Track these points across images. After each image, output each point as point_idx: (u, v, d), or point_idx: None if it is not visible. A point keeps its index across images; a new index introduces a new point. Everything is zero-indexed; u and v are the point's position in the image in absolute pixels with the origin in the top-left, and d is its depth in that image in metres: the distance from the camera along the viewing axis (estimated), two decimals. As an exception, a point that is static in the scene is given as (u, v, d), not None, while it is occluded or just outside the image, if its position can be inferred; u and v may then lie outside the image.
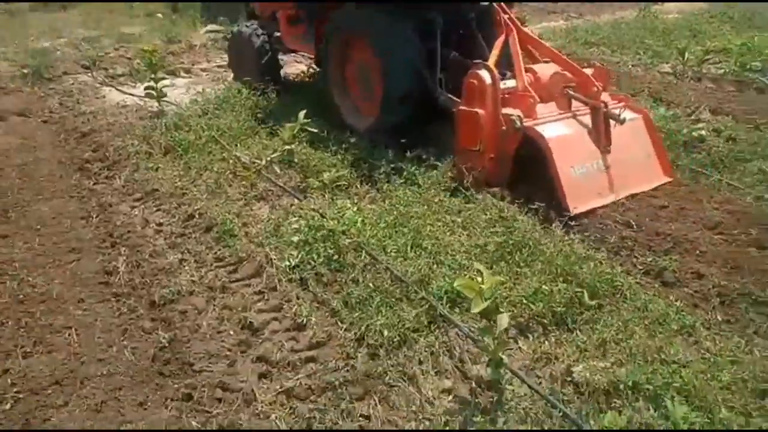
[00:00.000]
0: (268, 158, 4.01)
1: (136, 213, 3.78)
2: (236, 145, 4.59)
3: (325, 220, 3.18)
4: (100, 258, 3.25)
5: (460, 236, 3.14)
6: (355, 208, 3.35)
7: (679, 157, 4.05)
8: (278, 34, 5.62)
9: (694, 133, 4.18)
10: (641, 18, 8.93)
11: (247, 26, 5.88)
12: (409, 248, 3.01)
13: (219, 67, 7.43)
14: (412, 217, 3.27)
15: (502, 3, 4.17)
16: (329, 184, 3.64)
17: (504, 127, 3.44)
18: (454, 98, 3.82)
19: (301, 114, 3.91)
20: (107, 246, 3.39)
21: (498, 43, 3.95)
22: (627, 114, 3.55)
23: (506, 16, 4.08)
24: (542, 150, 3.34)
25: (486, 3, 4.20)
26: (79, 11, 11.48)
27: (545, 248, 2.87)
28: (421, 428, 2.11)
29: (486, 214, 3.33)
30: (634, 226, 3.14)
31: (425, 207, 3.44)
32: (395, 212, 3.33)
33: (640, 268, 2.88)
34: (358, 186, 3.83)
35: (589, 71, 3.80)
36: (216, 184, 4.01)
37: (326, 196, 3.64)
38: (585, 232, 3.16)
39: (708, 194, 3.51)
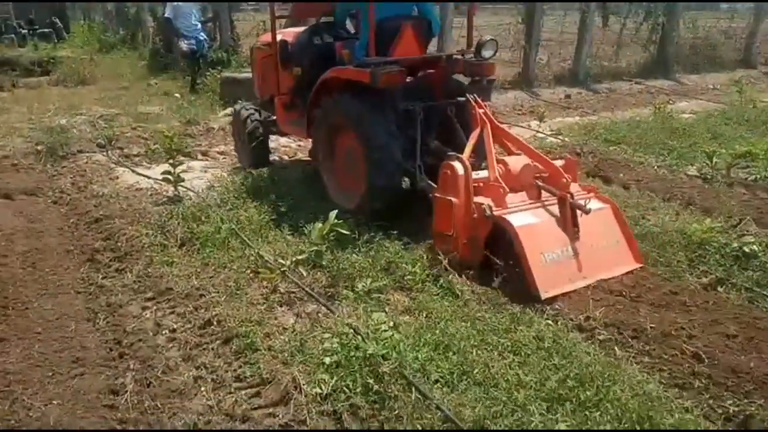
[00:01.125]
0: (294, 258, 3.73)
1: (148, 316, 3.47)
2: (258, 241, 4.34)
3: (360, 339, 2.86)
4: (106, 373, 2.90)
5: (511, 364, 2.81)
6: (391, 323, 3.04)
7: (732, 274, 3.79)
8: (274, 117, 5.85)
9: (745, 248, 3.94)
10: (657, 117, 8.94)
11: (246, 108, 6.06)
12: (456, 377, 2.68)
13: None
14: (455, 337, 2.97)
15: (477, 98, 4.45)
16: (363, 294, 3.35)
17: (476, 215, 3.68)
18: (433, 184, 4.07)
19: (332, 214, 3.68)
20: (114, 357, 3.04)
21: (473, 136, 4.22)
22: (593, 204, 3.83)
23: (481, 111, 4.36)
24: (511, 237, 3.51)
25: (462, 99, 4.51)
26: (98, 87, 11.61)
27: (614, 387, 2.54)
28: None
29: (532, 332, 3.04)
30: (705, 360, 2.83)
31: (468, 324, 3.14)
32: (437, 330, 3.02)
33: (720, 412, 2.54)
34: (392, 293, 3.54)
35: (559, 163, 4.09)
36: (236, 284, 3.72)
37: (359, 306, 3.33)
38: (650, 360, 2.85)
39: (778, 321, 3.21)
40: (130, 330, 3.27)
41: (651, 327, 3.11)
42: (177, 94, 10.54)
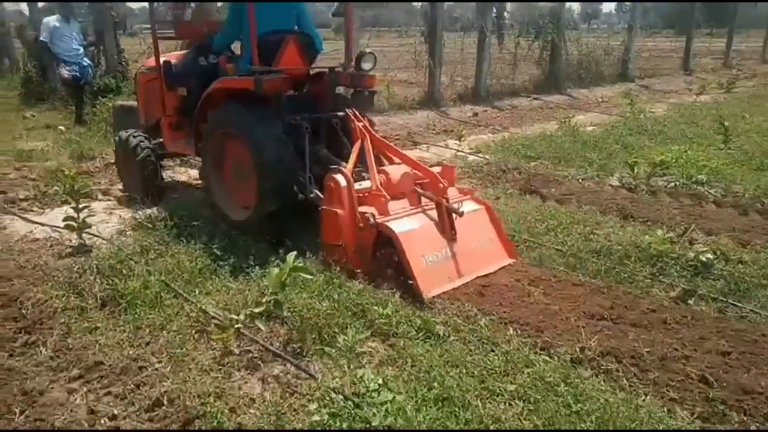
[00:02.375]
0: (247, 311, 3.24)
1: (78, 401, 2.82)
2: (196, 292, 3.78)
3: (352, 405, 2.47)
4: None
5: (523, 413, 2.55)
6: (379, 380, 2.68)
7: (696, 285, 3.81)
8: (160, 139, 5.82)
9: (701, 257, 4.00)
10: (564, 130, 9.28)
11: (133, 136, 5.86)
12: (471, 440, 2.37)
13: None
14: (454, 388, 2.66)
15: (355, 112, 4.66)
16: (346, 351, 2.94)
17: (361, 224, 3.85)
18: (321, 195, 4.16)
19: (290, 257, 3.24)
20: (45, 464, 2.42)
21: (354, 149, 4.40)
22: (469, 206, 4.21)
23: (360, 124, 4.55)
24: (394, 242, 3.69)
25: (342, 114, 4.72)
26: (-37, 123, 10.18)
27: (642, 427, 2.35)
28: None
29: (533, 373, 2.80)
30: (714, 383, 2.73)
31: (462, 371, 2.84)
32: (434, 384, 2.69)
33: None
34: (366, 342, 3.16)
35: (437, 170, 4.40)
36: (180, 349, 3.17)
37: (335, 363, 2.93)
38: (659, 389, 2.72)
39: (758, 332, 3.22)
40: (60, 424, 2.63)
41: (646, 352, 3.00)
42: (62, 127, 9.46)
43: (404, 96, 11.54)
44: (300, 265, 3.17)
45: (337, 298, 3.46)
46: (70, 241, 4.89)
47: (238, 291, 3.78)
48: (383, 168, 4.29)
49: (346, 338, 2.97)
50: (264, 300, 3.21)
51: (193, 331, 3.36)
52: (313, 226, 4.22)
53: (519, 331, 3.26)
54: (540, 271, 4.06)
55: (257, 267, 4.04)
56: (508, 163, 7.22)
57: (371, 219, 3.80)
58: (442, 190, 4.14)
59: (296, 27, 5.11)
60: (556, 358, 2.99)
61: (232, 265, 4.16)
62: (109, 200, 6.24)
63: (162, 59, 5.51)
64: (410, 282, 3.61)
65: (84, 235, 4.81)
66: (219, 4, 10.57)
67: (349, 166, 4.18)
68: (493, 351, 3.06)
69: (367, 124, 4.61)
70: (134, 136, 5.85)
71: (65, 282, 3.96)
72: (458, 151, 8.23)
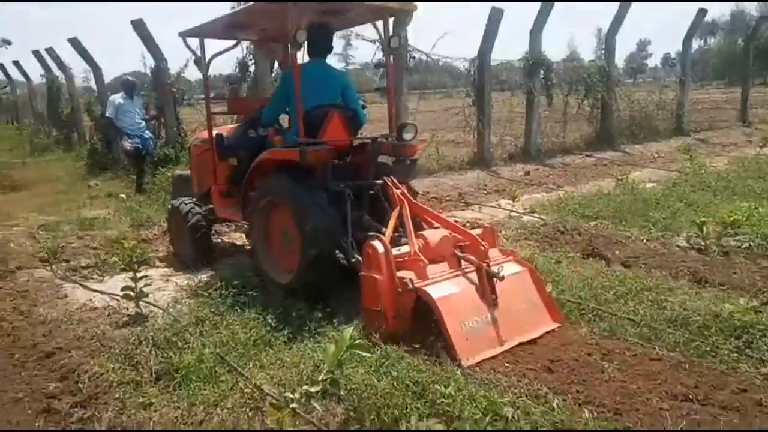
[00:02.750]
0: (303, 390, 3.11)
1: (130, 485, 2.73)
2: (250, 366, 3.69)
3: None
4: None
5: None
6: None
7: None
8: (211, 206, 6.12)
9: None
10: (622, 188, 8.98)
11: (185, 203, 6.18)
12: None
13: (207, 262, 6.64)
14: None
15: (393, 180, 4.76)
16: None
17: (399, 289, 3.82)
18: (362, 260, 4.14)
19: (347, 332, 3.12)
20: None
21: (393, 215, 4.49)
22: (511, 268, 4.15)
23: (398, 191, 4.64)
24: (432, 308, 3.65)
25: (380, 182, 4.83)
26: (32, 193, 10.76)
27: None
28: None
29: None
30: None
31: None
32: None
33: None
34: (430, 424, 2.96)
35: (477, 232, 4.40)
36: (234, 427, 3.05)
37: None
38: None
39: None
40: None
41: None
42: (123, 195, 9.86)
43: (453, 157, 11.54)
44: (357, 341, 3.03)
45: (396, 375, 3.28)
46: (128, 309, 4.94)
47: (292, 364, 3.65)
48: (421, 233, 4.30)
49: (410, 424, 2.77)
50: (320, 378, 3.06)
51: (248, 409, 3.24)
52: (356, 290, 4.19)
53: (595, 414, 2.99)
54: (612, 343, 3.78)
55: (311, 339, 3.94)
56: (566, 223, 6.97)
57: (410, 284, 3.78)
58: (482, 253, 4.14)
59: (341, 101, 5.33)
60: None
61: (286, 336, 4.06)
62: (166, 267, 6.32)
63: (215, 132, 5.89)
64: (448, 347, 3.55)
65: (141, 303, 4.85)
66: (272, 77, 11.02)
67: (387, 232, 4.26)
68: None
69: (406, 191, 4.70)
70: (186, 203, 6.17)
71: (122, 354, 3.96)
72: (512, 211, 8.05)
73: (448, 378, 3.25)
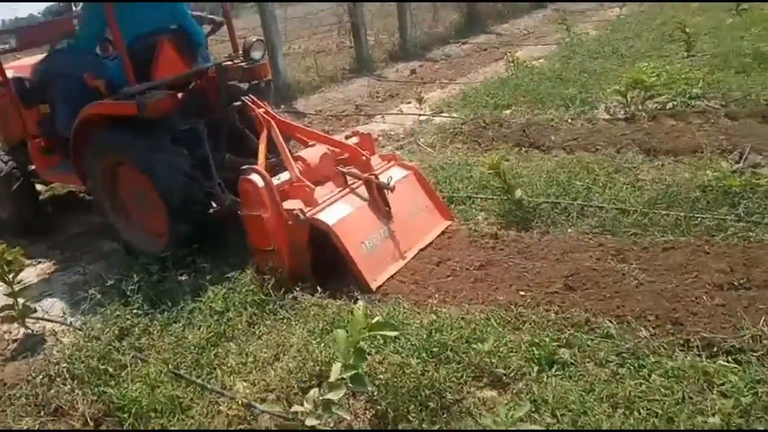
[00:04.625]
0: (315, 398, 2.36)
1: None
2: (218, 374, 2.86)
3: None
4: None
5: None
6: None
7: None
8: (32, 167, 5.10)
9: (784, 184, 3.49)
10: (514, 70, 8.65)
11: None
12: None
13: (74, 236, 5.36)
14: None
15: (253, 99, 4.18)
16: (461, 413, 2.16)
17: (290, 222, 3.45)
18: (238, 200, 3.75)
19: (359, 310, 2.38)
20: None
21: (261, 140, 4.00)
22: (397, 173, 3.90)
23: (261, 111, 4.12)
24: (330, 237, 3.37)
25: (238, 103, 4.22)
26: None
27: None
28: None
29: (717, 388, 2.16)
30: None
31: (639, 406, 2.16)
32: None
33: None
34: (479, 393, 2.40)
35: (354, 140, 4.07)
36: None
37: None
38: None
39: None
40: None
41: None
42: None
43: (333, 66, 10.53)
44: (377, 320, 2.31)
45: (417, 343, 2.65)
46: (11, 333, 3.80)
47: (273, 359, 2.89)
48: (299, 154, 3.88)
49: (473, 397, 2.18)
50: (337, 377, 2.32)
51: (244, 440, 2.47)
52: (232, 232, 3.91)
53: (651, 329, 2.60)
54: (615, 241, 3.42)
55: (265, 315, 3.21)
56: (484, 117, 6.50)
57: (300, 215, 3.39)
58: (365, 163, 3.87)
59: (172, 24, 4.51)
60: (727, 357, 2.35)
61: (246, 323, 3.24)
62: (39, 261, 5.02)
63: (9, 74, 4.83)
64: (354, 274, 3.33)
65: (28, 321, 3.73)
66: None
67: (260, 159, 3.80)
68: (642, 366, 2.39)
69: (269, 109, 4.19)
70: None
71: (30, 403, 2.92)
72: (420, 114, 7.44)
73: (482, 332, 2.68)
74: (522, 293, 3.04)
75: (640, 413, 2.20)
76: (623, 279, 2.99)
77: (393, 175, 3.79)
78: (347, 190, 3.75)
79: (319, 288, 3.32)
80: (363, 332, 2.29)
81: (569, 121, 6.03)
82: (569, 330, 2.67)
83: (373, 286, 3.32)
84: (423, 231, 3.80)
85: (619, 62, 8.05)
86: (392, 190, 3.64)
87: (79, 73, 4.33)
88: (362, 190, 3.75)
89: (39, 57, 5.21)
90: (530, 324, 2.75)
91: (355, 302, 3.18)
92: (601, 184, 4.12)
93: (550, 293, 2.99)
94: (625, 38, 9.65)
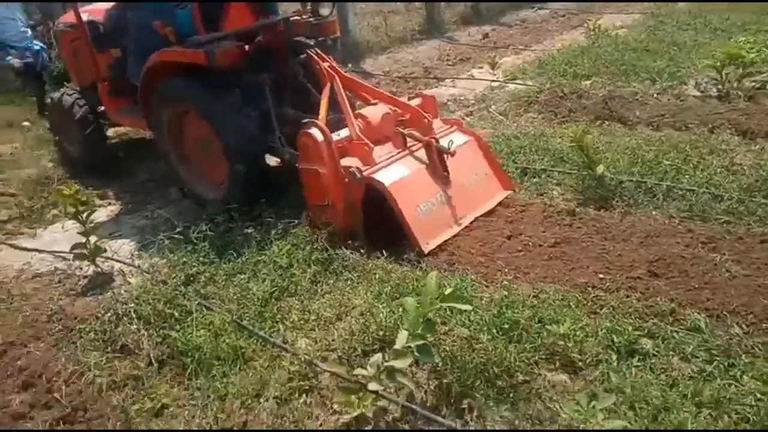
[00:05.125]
0: (380, 363, 2.29)
1: None
2: (280, 329, 2.84)
3: None
4: None
5: None
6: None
7: None
8: (102, 108, 5.18)
9: None
10: (596, 38, 8.18)
11: (68, 94, 5.36)
12: None
13: (144, 181, 5.47)
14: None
15: (318, 52, 4.17)
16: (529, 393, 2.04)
17: (346, 180, 3.43)
18: (297, 153, 3.71)
19: (432, 278, 2.28)
20: None
21: (324, 95, 3.96)
22: (458, 138, 3.78)
23: (326, 65, 4.08)
24: (386, 196, 3.33)
25: (304, 56, 4.20)
26: None
27: None
28: None
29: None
30: None
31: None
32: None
33: None
34: (552, 376, 2.28)
35: (416, 102, 3.99)
36: (292, 422, 2.27)
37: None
38: None
39: None
40: None
41: None
42: (26, 123, 8.17)
43: (403, 27, 10.24)
44: (450, 292, 2.20)
45: (488, 318, 2.53)
46: (81, 270, 3.91)
47: (335, 319, 2.85)
48: (360, 112, 3.81)
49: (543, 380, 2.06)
50: (403, 345, 2.24)
51: (304, 397, 2.44)
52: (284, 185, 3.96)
53: (745, 327, 2.39)
54: (707, 228, 3.17)
55: (328, 273, 3.16)
56: (562, 87, 6.17)
57: (357, 174, 3.36)
58: (427, 126, 3.79)
59: None
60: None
61: (309, 280, 3.20)
62: (110, 203, 5.16)
63: (84, 17, 4.87)
64: (407, 236, 3.30)
65: (99, 260, 3.82)
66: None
67: (321, 114, 3.75)
68: (733, 366, 2.20)
69: (334, 64, 4.15)
70: (68, 94, 5.32)
71: (98, 339, 3.00)
72: (493, 80, 7.15)
73: (559, 313, 2.53)
74: (601, 276, 2.86)
75: (729, 416, 2.03)
76: (714, 270, 2.77)
77: (454, 140, 3.67)
78: (406, 151, 3.69)
79: (366, 248, 3.32)
80: (434, 303, 2.19)
81: (655, 95, 5.67)
82: (652, 319, 2.49)
83: (426, 249, 3.28)
84: (481, 199, 3.72)
85: (712, 36, 7.50)
86: (452, 154, 3.56)
87: (150, 20, 4.36)
88: (421, 153, 3.68)
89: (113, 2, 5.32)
90: (609, 309, 2.59)
91: (420, 269, 3.10)
92: (692, 166, 3.82)
93: (632, 278, 2.80)
94: (720, 9, 8.92)
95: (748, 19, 7.96)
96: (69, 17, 5.29)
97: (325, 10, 4.30)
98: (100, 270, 3.82)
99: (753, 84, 5.47)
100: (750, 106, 4.94)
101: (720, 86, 5.44)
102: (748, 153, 3.92)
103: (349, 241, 3.41)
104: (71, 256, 3.85)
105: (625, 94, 5.64)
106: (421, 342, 2.20)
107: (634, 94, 5.70)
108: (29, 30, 8.83)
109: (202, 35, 3.94)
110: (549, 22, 10.72)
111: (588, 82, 6.41)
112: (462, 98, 6.71)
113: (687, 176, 3.72)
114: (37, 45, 8.88)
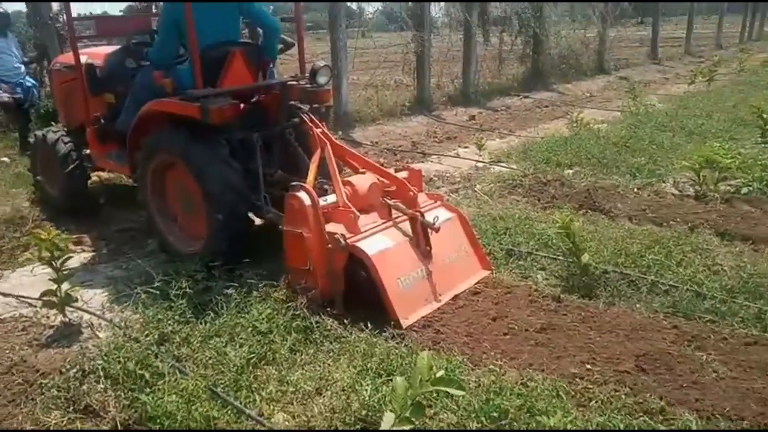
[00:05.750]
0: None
1: None
2: (256, 400, 2.70)
3: None
4: None
5: None
6: None
7: None
8: (87, 151, 5.23)
9: None
10: (579, 131, 8.50)
11: (53, 132, 5.38)
12: None
13: (122, 230, 5.33)
14: None
15: (312, 117, 4.26)
16: None
17: (330, 245, 3.43)
18: (280, 214, 3.77)
19: (423, 360, 2.21)
20: None
21: (314, 159, 4.00)
22: (442, 214, 3.81)
23: (318, 130, 4.15)
24: (367, 267, 3.32)
25: (297, 120, 4.32)
26: None
27: None
28: None
29: None
30: None
31: None
32: None
33: None
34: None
35: (403, 175, 4.00)
36: None
37: None
38: None
39: None
40: None
41: None
42: (5, 159, 8.03)
43: (394, 102, 10.54)
44: (441, 375, 2.14)
45: (476, 404, 2.45)
46: (48, 319, 3.73)
47: (315, 392, 2.73)
48: (348, 179, 3.86)
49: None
50: (389, 428, 2.14)
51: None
52: (269, 247, 3.92)
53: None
54: (691, 326, 3.18)
55: (308, 343, 3.08)
56: (545, 173, 6.35)
57: (342, 240, 3.37)
58: (412, 199, 3.83)
59: (249, 23, 4.90)
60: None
61: (288, 348, 3.09)
62: (84, 250, 5.01)
63: (85, 60, 4.96)
64: (385, 308, 3.26)
65: (68, 310, 3.66)
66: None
67: (309, 178, 3.79)
68: None
69: (326, 130, 4.22)
70: (53, 132, 5.32)
71: (60, 396, 2.81)
72: (477, 161, 7.33)
73: (543, 401, 2.48)
74: (588, 367, 2.82)
75: None
76: (701, 369, 2.76)
77: (438, 215, 3.71)
78: (391, 223, 3.72)
79: (348, 318, 3.27)
80: (426, 386, 2.12)
81: (635, 190, 5.83)
82: (642, 416, 2.44)
83: (404, 324, 3.23)
84: (461, 277, 3.72)
85: (687, 139, 7.85)
86: (437, 230, 3.57)
87: (149, 70, 4.48)
88: (405, 226, 3.70)
89: (113, 47, 5.42)
90: (598, 402, 2.53)
91: (405, 345, 3.03)
92: (674, 262, 3.89)
93: (620, 372, 2.77)
94: (694, 115, 9.41)
95: (720, 127, 8.38)
96: (67, 57, 5.39)
97: (322, 78, 4.44)
98: (68, 320, 3.66)
99: (728, 188, 5.69)
100: (726, 209, 5.12)
101: (698, 187, 5.63)
102: (728, 254, 4.01)
103: (328, 308, 3.38)
104: (39, 303, 3.69)
105: (606, 186, 5.81)
106: (408, 427, 2.11)
107: (616, 187, 5.87)
108: (23, 66, 8.85)
109: (199, 89, 4.01)
110: (533, 111, 11.18)
111: (570, 171, 6.61)
112: (447, 175, 6.83)
113: (670, 272, 3.77)
114: (29, 81, 8.89)
